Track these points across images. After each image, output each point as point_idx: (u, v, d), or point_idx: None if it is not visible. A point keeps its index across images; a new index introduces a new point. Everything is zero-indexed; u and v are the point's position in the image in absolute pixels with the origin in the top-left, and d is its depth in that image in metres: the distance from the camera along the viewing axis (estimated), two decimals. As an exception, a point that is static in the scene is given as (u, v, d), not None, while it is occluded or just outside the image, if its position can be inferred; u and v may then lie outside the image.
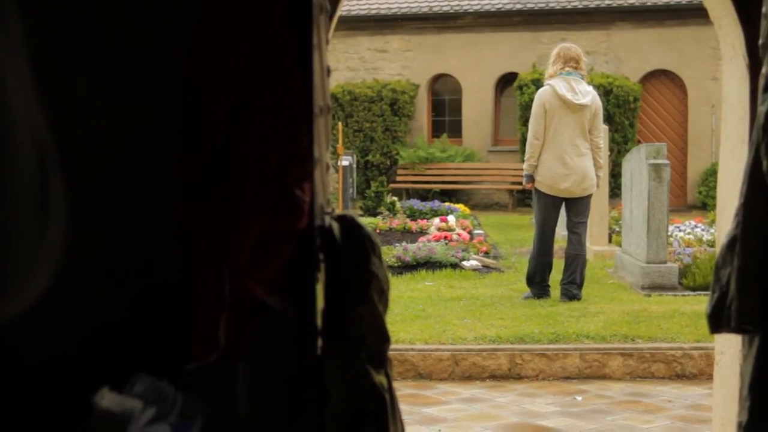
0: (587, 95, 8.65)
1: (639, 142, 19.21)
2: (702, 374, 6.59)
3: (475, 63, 21.89)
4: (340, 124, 17.90)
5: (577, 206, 8.78)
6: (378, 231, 13.47)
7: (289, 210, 2.09)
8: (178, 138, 2.13)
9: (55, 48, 2.15)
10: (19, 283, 1.06)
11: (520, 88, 20.96)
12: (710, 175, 19.40)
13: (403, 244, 11.58)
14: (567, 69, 8.69)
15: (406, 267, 10.70)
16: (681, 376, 6.66)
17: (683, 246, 10.66)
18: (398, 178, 21.70)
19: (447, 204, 16.92)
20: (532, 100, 20.47)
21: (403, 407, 2.45)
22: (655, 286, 9.21)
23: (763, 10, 2.40)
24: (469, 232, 13.28)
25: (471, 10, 22.06)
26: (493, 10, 21.95)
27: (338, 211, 2.35)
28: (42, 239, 1.07)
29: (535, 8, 21.77)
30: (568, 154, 8.62)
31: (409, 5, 22.65)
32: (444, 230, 13.19)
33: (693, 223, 13.32)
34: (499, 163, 21.78)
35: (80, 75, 2.21)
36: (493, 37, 21.91)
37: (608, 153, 12.85)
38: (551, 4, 21.74)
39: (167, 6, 2.21)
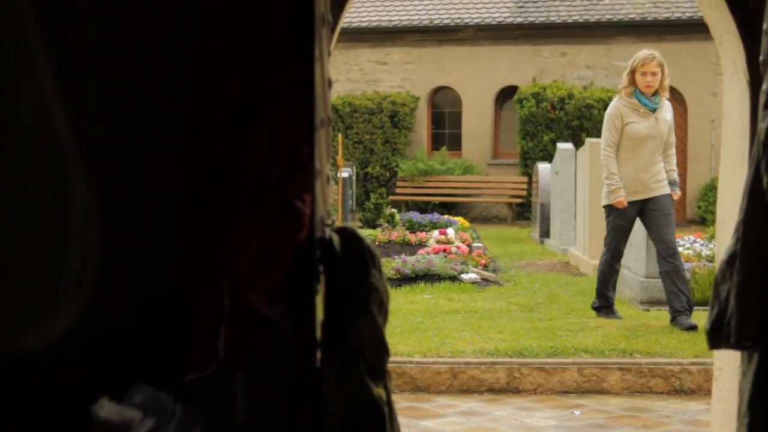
0: None
1: (638, 156, 19.17)
2: (700, 390, 6.58)
3: (475, 76, 21.92)
4: (340, 135, 17.92)
5: None
6: (377, 243, 13.47)
7: (290, 221, 2.09)
8: (179, 148, 2.14)
9: (54, 55, 2.15)
10: (45, 314, 1.06)
11: (520, 101, 20.99)
12: (709, 190, 19.41)
13: (402, 256, 11.58)
14: None
15: (405, 279, 10.70)
16: (679, 392, 6.66)
17: (682, 261, 10.64)
18: (397, 191, 21.71)
19: (446, 217, 16.94)
20: (531, 114, 20.78)
21: (401, 420, 2.44)
22: (654, 300, 9.20)
23: (764, 26, 2.40)
24: (468, 245, 13.29)
25: (472, 23, 22.10)
26: (493, 23, 21.99)
27: (338, 223, 2.35)
28: (67, 271, 1.07)
29: (536, 22, 21.82)
30: None
31: (410, 18, 22.69)
32: (443, 243, 13.19)
33: (692, 238, 13.30)
34: (498, 176, 21.79)
35: (82, 82, 2.21)
36: (493, 51, 21.95)
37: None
38: (552, 18, 21.78)
39: (169, 16, 2.21)
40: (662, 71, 8.31)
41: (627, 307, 9.16)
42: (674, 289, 8.00)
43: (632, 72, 8.27)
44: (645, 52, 8.36)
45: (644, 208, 8.29)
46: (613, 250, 8.41)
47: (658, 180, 8.29)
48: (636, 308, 9.05)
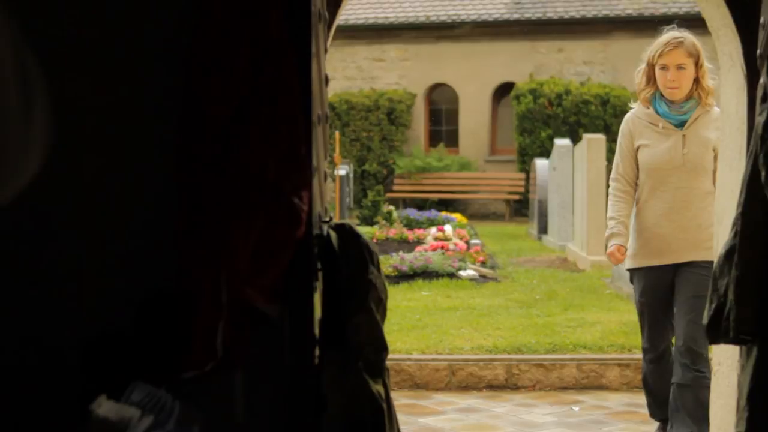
0: None
1: (636, 152, 19.19)
2: (699, 384, 6.57)
3: (472, 72, 21.91)
4: (337, 133, 17.89)
5: None
6: (375, 240, 13.46)
7: (288, 218, 2.09)
8: (178, 146, 2.13)
9: (53, 53, 2.14)
10: (8, 170, 1.06)
11: (517, 97, 20.98)
12: (707, 186, 19.38)
13: (400, 253, 11.57)
14: None
15: (403, 276, 10.69)
16: (678, 387, 6.65)
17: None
18: (395, 188, 21.70)
19: (444, 213, 16.91)
20: (528, 110, 20.76)
21: (400, 417, 2.44)
22: (652, 296, 9.17)
23: (761, 20, 2.40)
24: (466, 242, 13.28)
25: (468, 20, 22.09)
26: (490, 19, 21.99)
27: (335, 220, 2.35)
28: (27, 125, 1.07)
29: (533, 18, 21.81)
30: None
31: (407, 14, 22.68)
32: (441, 240, 13.18)
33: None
34: (496, 173, 21.78)
35: (80, 80, 2.21)
36: (490, 47, 21.93)
37: (605, 162, 12.85)
38: (549, 14, 21.78)
39: (167, 15, 2.21)
40: (697, 63, 5.01)
41: (626, 302, 9.16)
42: (689, 410, 4.84)
43: (650, 66, 5.08)
44: (669, 34, 5.06)
45: (674, 279, 4.98)
46: (643, 341, 5.14)
47: (691, 237, 4.93)
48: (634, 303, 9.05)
